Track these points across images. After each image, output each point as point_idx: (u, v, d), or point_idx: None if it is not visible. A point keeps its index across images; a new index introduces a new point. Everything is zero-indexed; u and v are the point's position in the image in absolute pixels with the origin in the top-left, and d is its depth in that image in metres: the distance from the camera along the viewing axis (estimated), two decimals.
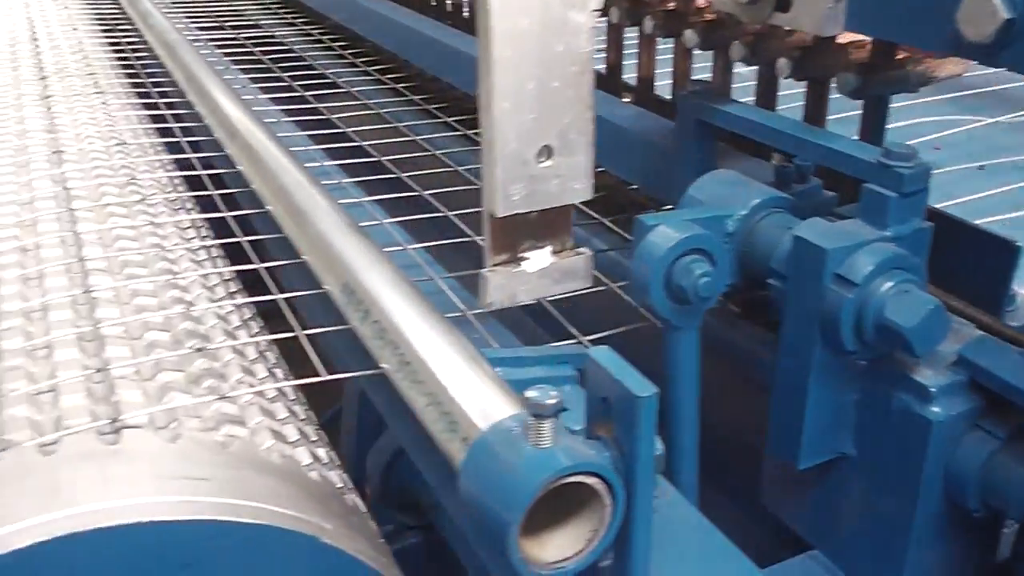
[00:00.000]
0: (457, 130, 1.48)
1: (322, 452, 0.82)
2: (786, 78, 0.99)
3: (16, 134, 1.37)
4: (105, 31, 2.03)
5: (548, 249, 0.83)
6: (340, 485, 0.79)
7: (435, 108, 1.59)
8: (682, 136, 0.99)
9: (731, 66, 1.09)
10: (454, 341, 0.71)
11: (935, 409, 0.75)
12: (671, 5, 1.14)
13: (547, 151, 0.77)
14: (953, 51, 0.73)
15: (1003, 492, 0.75)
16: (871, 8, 0.79)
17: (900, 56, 0.94)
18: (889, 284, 0.73)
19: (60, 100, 1.53)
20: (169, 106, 1.54)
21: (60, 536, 0.58)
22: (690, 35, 1.08)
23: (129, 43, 1.93)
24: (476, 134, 0.84)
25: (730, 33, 1.04)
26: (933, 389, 0.75)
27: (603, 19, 1.24)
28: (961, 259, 0.90)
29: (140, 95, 1.67)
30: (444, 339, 0.72)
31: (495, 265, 0.81)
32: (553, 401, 0.56)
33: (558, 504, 0.59)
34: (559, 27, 0.73)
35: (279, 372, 0.90)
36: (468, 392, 0.66)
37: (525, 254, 0.82)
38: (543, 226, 0.82)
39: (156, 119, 1.52)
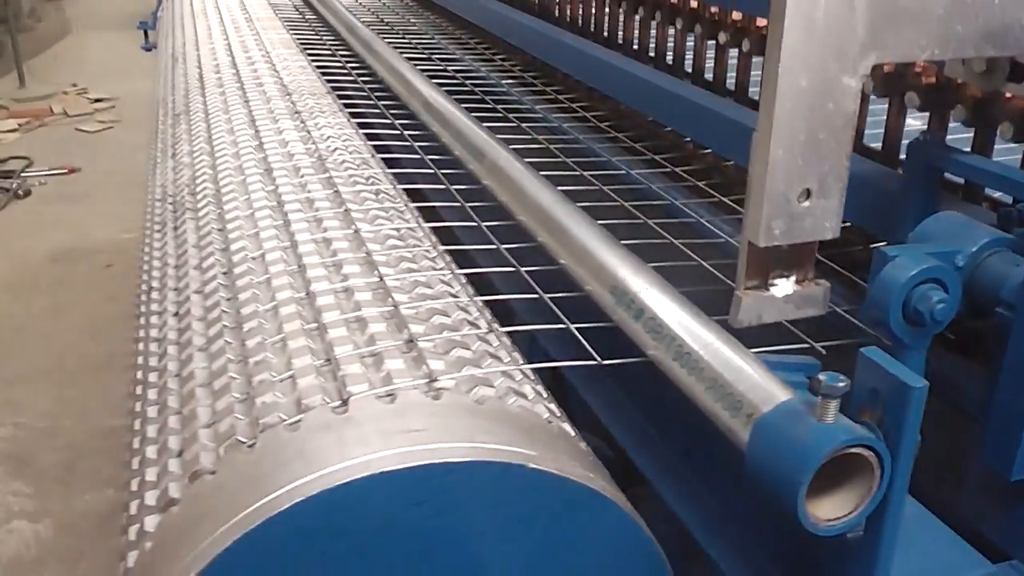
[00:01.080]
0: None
1: (528, 388, 0.94)
2: (1008, 141, 1.09)
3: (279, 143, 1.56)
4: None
5: (793, 278, 0.94)
6: (546, 416, 0.91)
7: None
8: (910, 181, 1.09)
9: (947, 124, 1.18)
10: (725, 336, 0.84)
11: None
12: (887, 69, 1.24)
13: (807, 193, 0.88)
14: None
15: None
16: None
17: None
18: None
19: (307, 116, 1.73)
20: (405, 127, 1.72)
21: (308, 497, 0.71)
22: (911, 96, 1.19)
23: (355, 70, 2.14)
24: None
25: (954, 96, 1.14)
26: None
27: None
28: None
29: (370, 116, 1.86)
30: (716, 334, 0.85)
31: (747, 288, 0.92)
32: (842, 384, 0.69)
33: (831, 474, 0.71)
34: (831, 88, 0.85)
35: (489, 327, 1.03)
36: (746, 378, 0.78)
37: (774, 281, 0.93)
38: (791, 258, 0.93)
39: (395, 138, 1.70)
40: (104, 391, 4.24)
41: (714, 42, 1.61)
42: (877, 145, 1.32)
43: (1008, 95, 1.06)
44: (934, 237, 0.99)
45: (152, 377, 1.04)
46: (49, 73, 9.65)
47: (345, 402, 0.83)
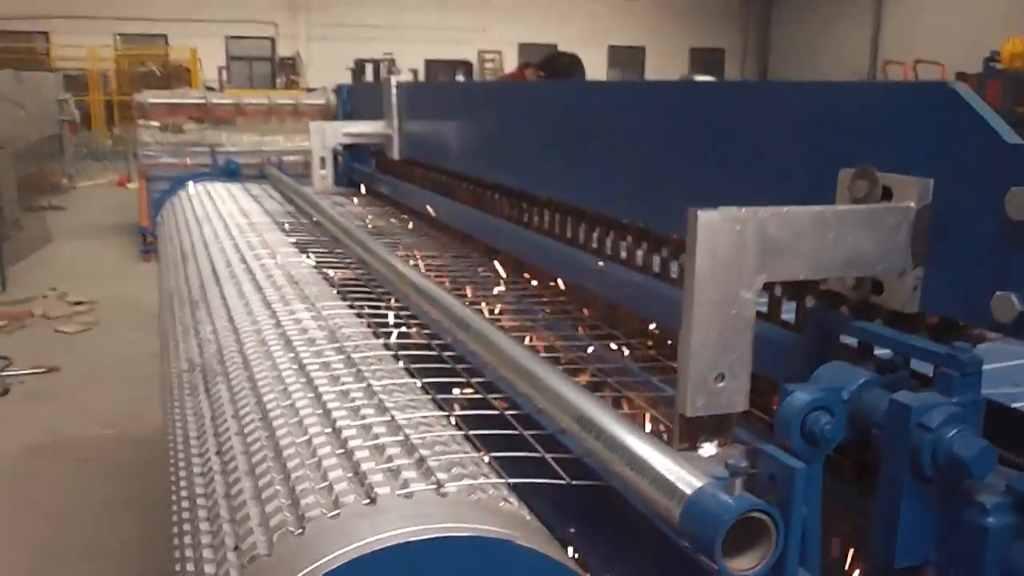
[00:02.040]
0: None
1: (509, 495, 1.19)
2: None
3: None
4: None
5: (716, 443, 1.21)
6: (524, 513, 1.16)
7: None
8: (810, 342, 1.40)
9: None
10: (661, 447, 1.11)
11: (991, 520, 1.10)
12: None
13: (721, 376, 1.18)
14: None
15: None
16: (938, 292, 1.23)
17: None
18: (955, 430, 1.11)
19: (315, 300, 2.02)
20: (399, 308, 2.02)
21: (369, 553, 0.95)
22: (809, 299, 1.51)
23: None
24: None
25: (842, 302, 1.46)
26: (989, 506, 1.10)
27: None
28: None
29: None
30: (656, 446, 1.12)
31: (680, 450, 1.19)
32: (744, 465, 0.95)
33: (742, 536, 0.96)
34: (734, 300, 1.16)
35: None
36: (677, 473, 1.05)
37: (701, 444, 1.20)
38: (713, 426, 1.21)
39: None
40: None
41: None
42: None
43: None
44: (826, 379, 1.28)
45: (200, 501, 1.27)
46: (31, 278, 9.98)
47: (373, 500, 1.07)
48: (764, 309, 1.67)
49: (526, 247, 2.42)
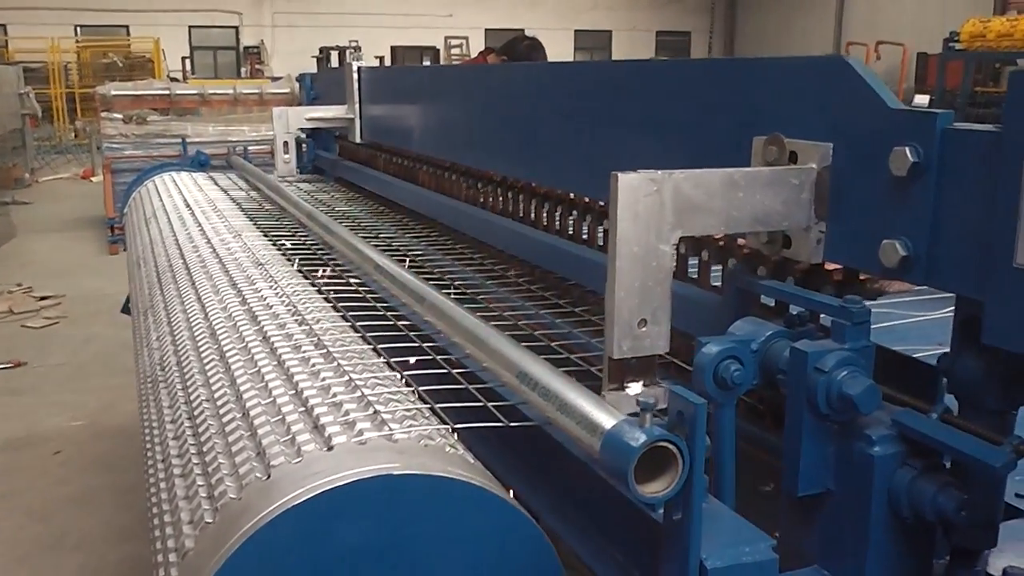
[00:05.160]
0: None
1: (452, 438, 1.33)
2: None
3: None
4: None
5: (642, 382, 1.35)
6: (461, 453, 1.30)
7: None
8: (727, 298, 1.54)
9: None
10: (586, 393, 1.25)
11: (877, 449, 1.25)
12: (721, 242, 1.72)
13: (644, 321, 1.32)
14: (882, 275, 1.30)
15: (920, 504, 1.23)
16: (838, 244, 1.37)
17: (863, 278, 1.50)
18: (845, 372, 1.26)
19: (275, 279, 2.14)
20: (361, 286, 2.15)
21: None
22: (732, 262, 1.66)
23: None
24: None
25: (760, 261, 1.61)
26: (875, 438, 1.25)
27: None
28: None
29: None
30: (579, 391, 1.25)
31: (610, 390, 1.33)
32: (652, 401, 1.09)
33: (653, 464, 1.10)
34: (653, 252, 1.30)
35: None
36: (598, 413, 1.18)
37: (628, 384, 1.34)
38: (639, 368, 1.35)
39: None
40: (55, 571, 4.35)
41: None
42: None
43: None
44: (740, 332, 1.42)
45: (175, 461, 1.39)
46: None
47: (331, 447, 1.20)
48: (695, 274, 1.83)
49: (480, 226, 2.55)
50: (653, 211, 1.30)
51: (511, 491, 1.42)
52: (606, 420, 1.16)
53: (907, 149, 1.25)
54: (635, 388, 1.36)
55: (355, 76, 3.60)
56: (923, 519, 1.25)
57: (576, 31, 31.99)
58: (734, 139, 1.51)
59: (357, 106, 3.60)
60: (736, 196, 1.36)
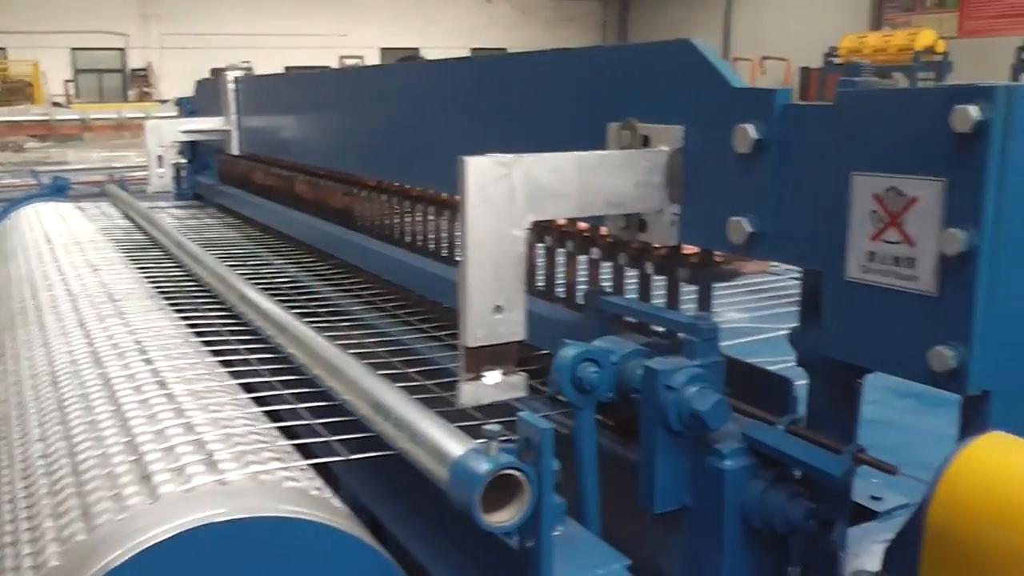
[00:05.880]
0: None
1: (304, 476, 1.29)
2: (655, 275, 1.57)
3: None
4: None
5: (500, 371, 1.33)
6: (316, 491, 1.26)
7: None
8: (587, 317, 1.55)
9: (623, 269, 1.65)
10: (437, 420, 1.23)
11: (728, 463, 1.26)
12: (586, 232, 1.72)
13: (499, 308, 1.29)
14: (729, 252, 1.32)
15: (771, 514, 1.25)
16: (691, 225, 1.39)
17: (718, 259, 1.52)
18: (694, 389, 1.27)
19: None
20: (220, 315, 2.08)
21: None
22: (595, 251, 1.67)
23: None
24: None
25: (621, 248, 1.62)
26: (725, 452, 1.27)
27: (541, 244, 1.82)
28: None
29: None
30: (433, 420, 1.23)
31: (466, 379, 1.30)
32: (497, 429, 1.08)
33: (503, 492, 1.08)
34: (505, 237, 1.28)
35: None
36: (447, 442, 1.17)
37: (485, 373, 1.32)
38: (497, 356, 1.33)
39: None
40: None
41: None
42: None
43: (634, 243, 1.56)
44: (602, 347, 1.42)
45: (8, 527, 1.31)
46: None
47: (157, 498, 1.15)
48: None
49: (353, 250, 2.51)
50: (504, 195, 1.26)
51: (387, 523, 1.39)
52: (454, 449, 1.15)
53: (749, 126, 1.27)
54: (493, 377, 1.31)
55: (230, 87, 3.50)
56: (775, 529, 1.27)
57: (472, 49, 32.13)
58: (595, 126, 1.51)
59: (234, 117, 3.51)
60: (589, 180, 1.35)
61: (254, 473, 1.22)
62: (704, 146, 1.37)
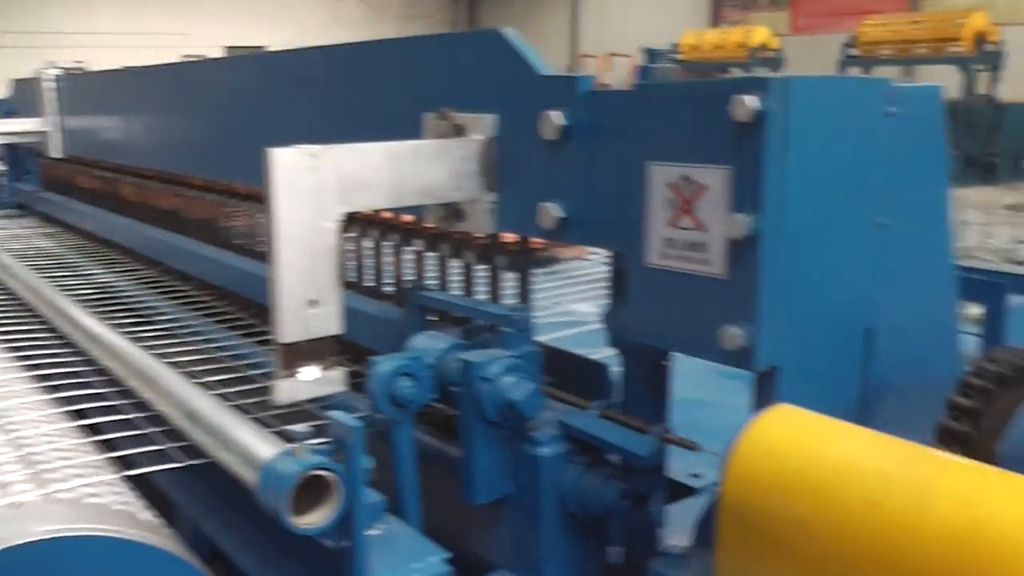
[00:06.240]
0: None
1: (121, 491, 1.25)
2: (476, 264, 1.58)
3: None
4: None
5: (317, 366, 1.31)
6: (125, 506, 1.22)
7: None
8: (408, 315, 1.54)
9: (446, 261, 1.65)
10: (251, 427, 1.20)
11: (544, 451, 1.29)
12: (410, 224, 1.72)
13: (314, 303, 1.27)
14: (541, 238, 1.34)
15: (586, 498, 1.28)
16: (506, 212, 1.40)
17: (536, 246, 1.55)
18: (510, 379, 1.29)
19: None
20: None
21: None
22: (419, 243, 1.67)
23: None
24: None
25: (443, 239, 1.62)
26: (542, 440, 1.29)
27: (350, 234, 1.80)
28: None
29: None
30: (245, 426, 1.21)
31: (282, 376, 1.27)
32: (305, 432, 1.06)
33: (316, 493, 1.07)
34: (316, 230, 1.26)
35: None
36: (258, 446, 1.14)
37: (302, 369, 1.29)
38: (312, 351, 1.30)
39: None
40: None
41: None
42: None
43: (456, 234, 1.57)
44: (418, 347, 1.42)
45: None
46: None
47: None
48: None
49: (179, 256, 2.43)
50: (313, 187, 1.24)
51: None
52: (263, 453, 1.12)
53: (555, 113, 1.29)
54: (311, 373, 1.28)
55: (50, 85, 3.31)
56: (591, 512, 1.30)
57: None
58: (413, 116, 1.50)
59: (55, 117, 3.31)
60: (401, 170, 1.34)
61: (51, 492, 1.16)
62: (515, 134, 1.39)
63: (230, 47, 28.94)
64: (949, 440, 1.16)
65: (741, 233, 1.09)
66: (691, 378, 1.89)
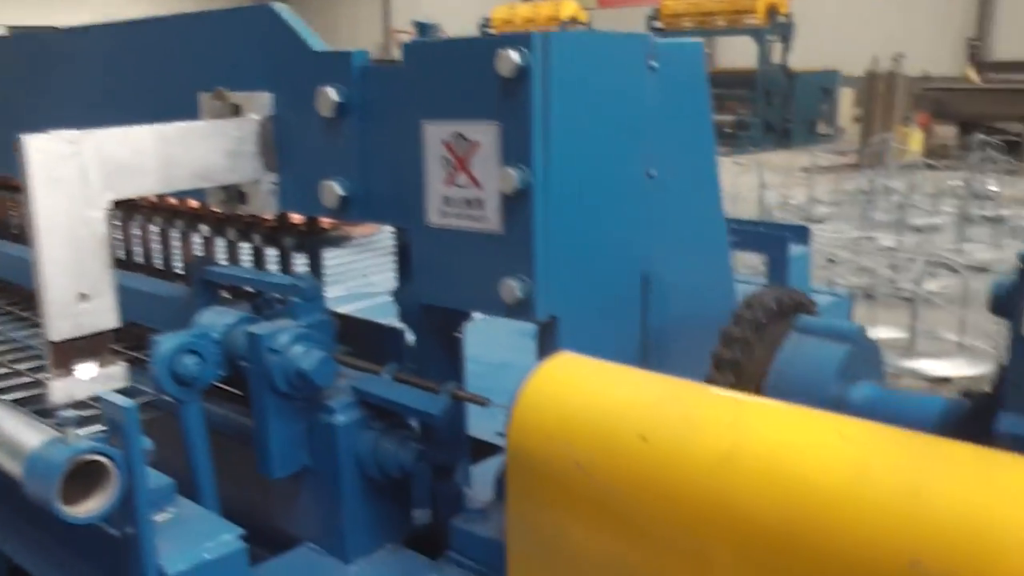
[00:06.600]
0: None
1: None
2: (265, 246, 1.54)
3: None
4: None
5: (95, 363, 1.24)
6: None
7: None
8: (195, 291, 1.49)
9: (235, 245, 1.61)
10: (19, 415, 1.13)
11: (340, 419, 1.28)
12: (195, 209, 1.66)
13: (84, 296, 1.20)
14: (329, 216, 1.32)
15: (384, 462, 1.28)
16: (288, 193, 1.37)
17: (325, 225, 1.52)
18: (299, 349, 1.27)
19: None
20: None
21: None
22: (205, 228, 1.61)
23: None
24: None
25: (230, 223, 1.57)
26: (336, 407, 1.28)
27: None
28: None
29: None
30: (13, 415, 1.13)
31: (56, 376, 1.20)
32: (71, 415, 1.01)
33: (95, 480, 1.02)
34: (82, 220, 1.19)
35: None
36: (18, 435, 1.08)
37: (78, 366, 1.23)
38: (88, 348, 1.24)
39: None
40: None
41: None
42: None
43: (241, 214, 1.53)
44: (204, 323, 1.37)
45: None
46: None
47: None
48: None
49: None
50: (75, 175, 1.16)
51: None
52: (30, 441, 1.06)
53: (330, 89, 1.27)
54: (88, 370, 1.21)
55: None
56: (390, 476, 1.31)
57: None
58: (189, 97, 1.44)
59: None
60: (172, 153, 1.28)
61: None
62: (292, 112, 1.36)
63: (14, 27, 26.93)
64: (723, 367, 1.23)
65: (513, 187, 1.11)
66: (498, 342, 1.94)
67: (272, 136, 1.38)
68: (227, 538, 1.14)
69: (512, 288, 1.13)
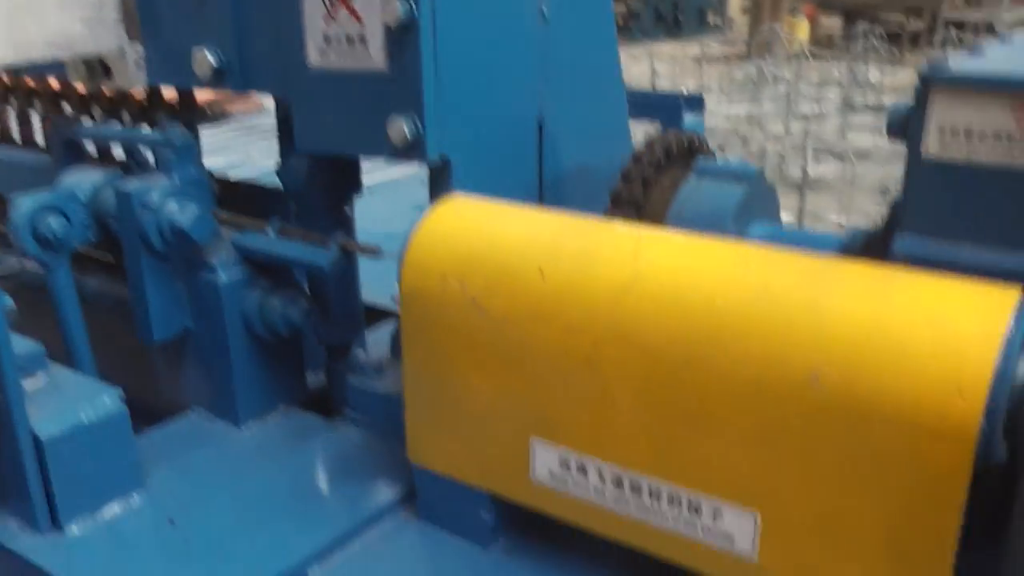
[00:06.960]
0: None
1: None
2: (134, 124, 1.43)
3: None
4: None
5: None
6: None
7: None
8: (55, 154, 1.38)
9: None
10: None
11: (222, 277, 1.21)
12: (57, 89, 1.53)
13: None
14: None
15: (271, 320, 1.22)
16: (157, 65, 1.27)
17: (201, 100, 1.42)
18: (174, 205, 1.18)
19: None
20: None
21: None
22: (67, 107, 1.49)
23: None
24: None
25: (95, 101, 1.46)
26: (217, 264, 1.21)
27: None
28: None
29: None
30: None
31: None
32: None
33: None
34: None
35: None
36: None
37: None
38: None
39: None
40: None
41: None
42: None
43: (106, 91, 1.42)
44: (68, 185, 1.27)
45: None
46: None
47: None
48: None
49: None
50: None
51: None
52: None
53: None
54: None
55: None
56: (279, 334, 1.25)
57: None
58: None
59: None
60: (20, 20, 1.18)
61: None
62: None
63: None
64: (622, 204, 1.20)
65: (397, 19, 1.03)
66: (390, 219, 1.87)
67: (135, 1, 1.27)
68: (105, 400, 1.08)
69: (401, 127, 1.07)
